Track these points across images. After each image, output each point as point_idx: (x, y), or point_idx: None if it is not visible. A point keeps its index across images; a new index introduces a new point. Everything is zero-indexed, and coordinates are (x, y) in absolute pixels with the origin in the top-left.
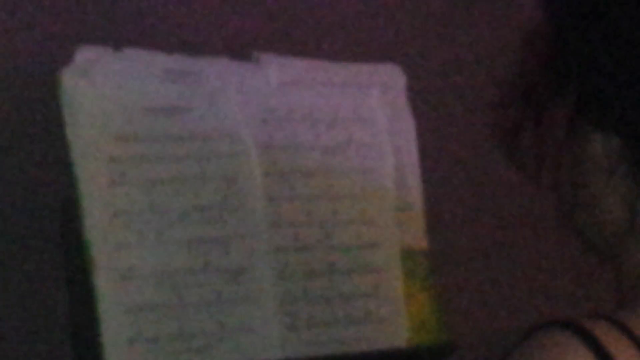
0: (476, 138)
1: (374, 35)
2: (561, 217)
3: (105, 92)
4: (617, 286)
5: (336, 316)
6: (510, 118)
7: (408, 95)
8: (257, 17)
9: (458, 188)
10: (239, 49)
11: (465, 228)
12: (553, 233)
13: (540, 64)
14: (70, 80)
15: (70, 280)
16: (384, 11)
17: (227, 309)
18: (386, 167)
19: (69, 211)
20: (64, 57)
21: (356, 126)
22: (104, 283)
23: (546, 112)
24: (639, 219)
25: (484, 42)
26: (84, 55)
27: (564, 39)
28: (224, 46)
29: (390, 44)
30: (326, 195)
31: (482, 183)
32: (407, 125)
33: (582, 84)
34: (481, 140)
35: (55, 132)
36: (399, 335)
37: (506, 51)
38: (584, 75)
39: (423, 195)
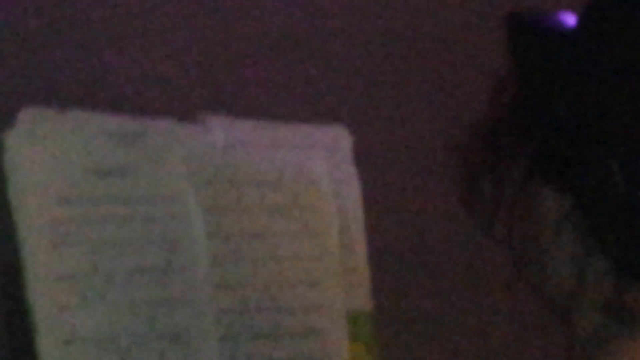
0: (422, 199)
1: (319, 96)
2: (513, 273)
3: (49, 154)
4: (569, 346)
5: None
6: (468, 167)
7: (354, 156)
8: (202, 79)
9: (404, 250)
10: (184, 111)
11: (411, 290)
12: (503, 292)
13: (503, 113)
14: (14, 142)
15: (12, 344)
16: (330, 72)
17: None
18: (331, 229)
19: (11, 274)
20: (7, 120)
21: (302, 187)
22: (47, 347)
23: (503, 164)
24: (587, 280)
25: (429, 102)
26: (28, 116)
27: (527, 92)
28: (168, 108)
29: (336, 105)
30: (271, 257)
31: (428, 245)
32: (353, 187)
33: (540, 140)
34: (427, 202)
35: None
36: None
37: (452, 110)
38: (542, 131)
39: (368, 257)
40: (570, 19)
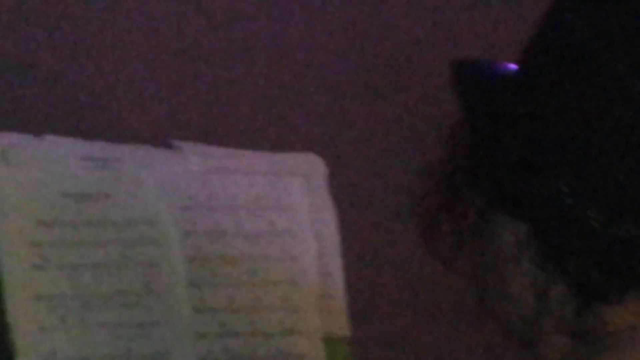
0: (397, 226)
1: (294, 125)
2: (477, 304)
3: (26, 178)
4: None
5: None
6: (428, 207)
7: (329, 184)
8: (177, 106)
9: (380, 275)
10: (160, 137)
11: (387, 315)
12: (475, 320)
13: (457, 154)
14: None
15: None
16: (306, 101)
17: None
18: (308, 255)
19: None
20: None
21: (278, 214)
22: None
23: (461, 201)
24: (549, 305)
25: (403, 131)
26: (4, 141)
27: (478, 133)
28: (144, 134)
29: (311, 134)
30: (249, 282)
31: (404, 270)
32: (329, 214)
33: (494, 174)
34: (402, 228)
35: None
36: None
37: (425, 141)
38: (495, 166)
39: (345, 283)
40: (509, 66)
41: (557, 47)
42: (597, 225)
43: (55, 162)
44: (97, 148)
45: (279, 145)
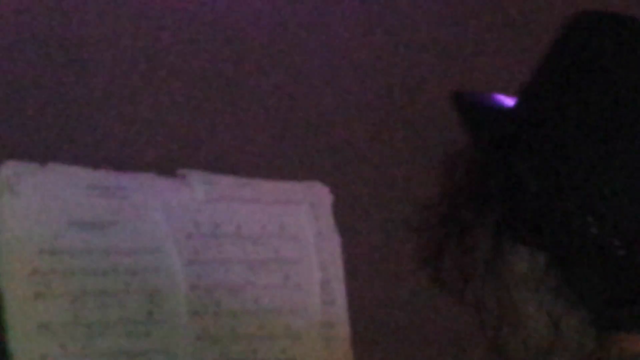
0: (401, 255)
1: (299, 153)
2: (485, 336)
3: (31, 206)
4: None
5: None
6: (433, 240)
7: (333, 212)
8: (183, 135)
9: (384, 303)
10: (165, 166)
11: (391, 344)
12: (482, 351)
13: (462, 186)
14: None
15: None
16: (311, 130)
17: None
18: (312, 283)
19: None
20: None
21: (282, 242)
22: None
23: (469, 232)
24: (565, 334)
25: (407, 161)
26: (10, 170)
27: (486, 163)
28: (150, 162)
29: (316, 162)
30: (252, 310)
31: (408, 299)
32: (333, 242)
33: (506, 204)
34: (407, 257)
35: None
36: None
37: (429, 171)
38: (508, 196)
39: (348, 311)
40: (508, 100)
41: (571, 72)
42: (621, 254)
43: (61, 190)
44: (103, 176)
45: (284, 173)
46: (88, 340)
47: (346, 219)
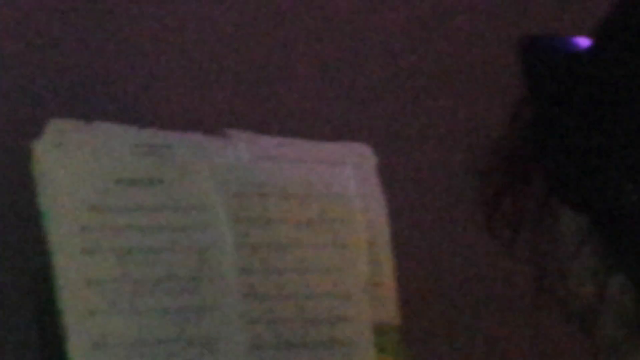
0: (447, 215)
1: (344, 114)
2: (536, 288)
3: (78, 163)
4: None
5: None
6: (492, 185)
7: (378, 174)
8: (228, 95)
9: (431, 264)
10: (210, 125)
11: (437, 304)
12: (528, 309)
13: (520, 136)
14: (43, 151)
15: (43, 348)
16: (356, 91)
17: None
18: (359, 242)
19: (42, 279)
20: (35, 131)
21: (329, 201)
22: (76, 350)
23: (523, 184)
24: (609, 293)
25: (454, 121)
26: (56, 127)
27: (541, 114)
28: (195, 122)
29: (360, 124)
30: (299, 269)
31: (455, 259)
32: (379, 203)
33: (555, 162)
34: (453, 218)
35: (28, 202)
36: None
37: (475, 129)
38: (557, 152)
39: (395, 271)
40: (583, 42)
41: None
42: None
43: (107, 148)
44: (149, 135)
45: (328, 134)
46: (136, 297)
47: (390, 182)
